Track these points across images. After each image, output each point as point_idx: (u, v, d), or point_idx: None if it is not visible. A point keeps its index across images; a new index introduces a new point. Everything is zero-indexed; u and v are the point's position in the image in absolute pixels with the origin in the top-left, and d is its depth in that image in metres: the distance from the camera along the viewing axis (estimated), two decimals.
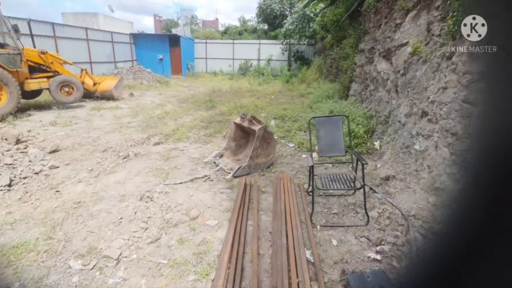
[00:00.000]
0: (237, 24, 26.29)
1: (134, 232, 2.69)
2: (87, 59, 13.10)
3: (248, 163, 3.92)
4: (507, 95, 0.32)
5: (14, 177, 3.72)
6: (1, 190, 3.46)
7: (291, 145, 5.31)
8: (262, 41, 18.97)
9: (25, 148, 4.65)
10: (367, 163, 2.83)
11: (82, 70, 9.08)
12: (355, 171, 2.93)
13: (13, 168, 3.87)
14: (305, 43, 16.94)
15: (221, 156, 4.55)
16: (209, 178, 3.91)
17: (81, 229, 2.79)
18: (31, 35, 8.24)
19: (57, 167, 4.24)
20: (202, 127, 6.51)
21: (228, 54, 19.09)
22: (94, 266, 2.30)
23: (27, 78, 7.35)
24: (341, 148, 2.94)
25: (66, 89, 8.02)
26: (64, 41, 12.06)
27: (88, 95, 9.30)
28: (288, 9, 20.64)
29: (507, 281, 0.33)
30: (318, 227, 2.71)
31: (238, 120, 4.44)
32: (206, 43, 19.44)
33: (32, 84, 7.44)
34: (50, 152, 4.73)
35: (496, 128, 0.33)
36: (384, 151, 4.09)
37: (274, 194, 3.27)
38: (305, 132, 6.04)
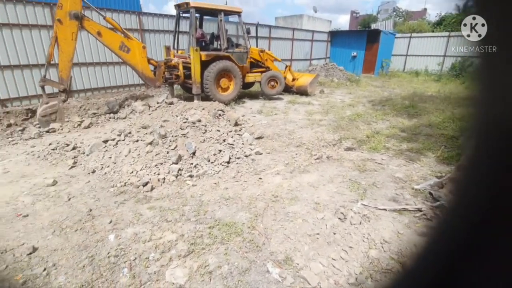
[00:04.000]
0: (454, 12, 20.83)
1: (333, 260, 2.27)
2: (289, 57, 14.62)
3: None
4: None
5: (232, 156, 4.36)
6: (222, 165, 4.13)
7: None
8: None
9: (240, 131, 5.46)
10: None
11: (286, 66, 10.04)
12: None
13: (232, 148, 4.56)
14: None
15: (442, 186, 3.35)
16: (424, 215, 2.91)
17: (278, 229, 2.72)
18: (256, 37, 9.90)
19: (261, 153, 4.65)
20: (403, 139, 5.34)
21: (438, 50, 15.53)
22: (291, 284, 2.07)
23: (247, 72, 8.92)
24: None
25: (272, 83, 9.11)
26: (275, 41, 13.98)
27: (285, 89, 10.24)
28: None
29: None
30: None
31: None
32: (410, 37, 16.73)
33: (250, 77, 8.97)
34: (256, 138, 5.32)
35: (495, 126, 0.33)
36: None
37: None
38: None
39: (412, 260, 0.44)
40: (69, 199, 3.18)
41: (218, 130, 4.78)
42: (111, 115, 6.67)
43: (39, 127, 5.84)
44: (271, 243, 2.54)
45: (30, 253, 2.32)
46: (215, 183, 3.64)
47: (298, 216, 2.93)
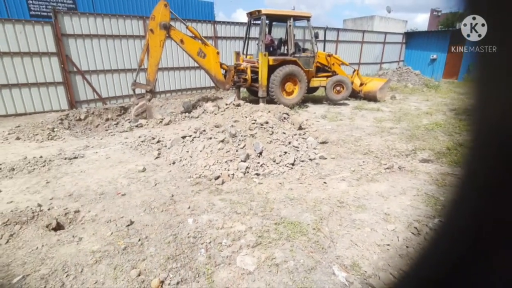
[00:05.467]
0: None
1: None
2: (357, 60, 13.98)
3: None
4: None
5: (296, 158, 4.43)
6: (287, 166, 4.22)
7: None
8: None
9: (304, 135, 5.49)
10: None
11: (354, 70, 9.65)
12: None
13: (297, 150, 4.63)
14: None
15: None
16: None
17: (345, 235, 2.68)
18: (324, 41, 9.78)
19: (325, 158, 4.60)
20: None
21: None
22: None
23: (313, 77, 8.86)
24: None
25: (338, 88, 8.86)
26: (343, 44, 13.54)
27: (352, 94, 9.82)
28: None
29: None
30: None
31: None
32: None
33: (315, 82, 8.89)
34: (321, 143, 5.27)
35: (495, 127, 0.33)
36: None
37: None
38: None
39: (415, 261, 0.44)
40: (155, 184, 3.68)
41: (284, 133, 4.91)
42: (186, 114, 7.42)
43: (130, 122, 6.86)
44: (336, 247, 2.53)
45: (128, 225, 2.78)
46: (280, 183, 3.76)
47: (365, 224, 2.84)
